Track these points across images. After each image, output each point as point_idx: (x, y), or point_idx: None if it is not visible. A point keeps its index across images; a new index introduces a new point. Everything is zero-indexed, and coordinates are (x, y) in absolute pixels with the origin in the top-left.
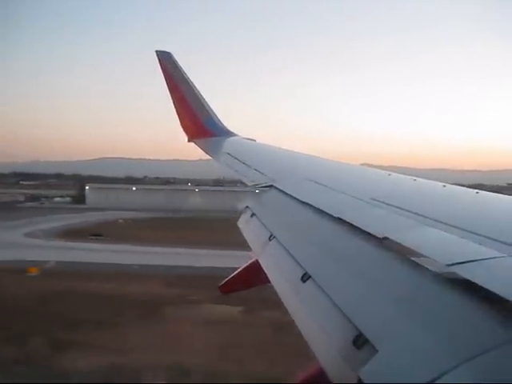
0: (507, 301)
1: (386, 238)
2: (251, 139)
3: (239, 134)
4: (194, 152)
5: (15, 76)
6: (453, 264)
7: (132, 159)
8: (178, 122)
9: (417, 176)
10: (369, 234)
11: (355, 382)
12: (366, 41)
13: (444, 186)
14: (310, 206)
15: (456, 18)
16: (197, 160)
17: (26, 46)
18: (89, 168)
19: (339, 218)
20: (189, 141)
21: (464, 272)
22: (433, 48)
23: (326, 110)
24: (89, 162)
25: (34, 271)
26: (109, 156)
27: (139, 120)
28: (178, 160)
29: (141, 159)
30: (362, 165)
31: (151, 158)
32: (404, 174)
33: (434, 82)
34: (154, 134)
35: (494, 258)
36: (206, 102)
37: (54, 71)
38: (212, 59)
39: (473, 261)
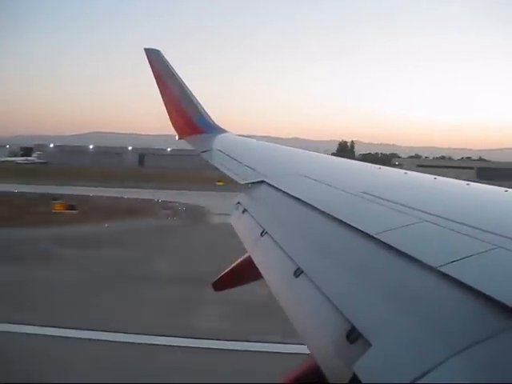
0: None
1: (376, 237)
2: (242, 136)
3: (228, 125)
4: None
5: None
6: (442, 265)
7: (122, 134)
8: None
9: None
10: (360, 229)
11: (349, 376)
12: (347, 24)
13: (435, 178)
14: (302, 201)
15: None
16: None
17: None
18: (75, 142)
19: (331, 213)
20: (179, 138)
21: (454, 272)
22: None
23: (316, 90)
24: (77, 137)
25: None
26: (102, 130)
27: (135, 96)
28: (168, 135)
29: (132, 134)
30: (353, 142)
31: (143, 133)
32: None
33: (424, 62)
34: (149, 110)
35: (486, 251)
36: (195, 99)
37: (52, 48)
38: (194, 49)
39: (463, 258)
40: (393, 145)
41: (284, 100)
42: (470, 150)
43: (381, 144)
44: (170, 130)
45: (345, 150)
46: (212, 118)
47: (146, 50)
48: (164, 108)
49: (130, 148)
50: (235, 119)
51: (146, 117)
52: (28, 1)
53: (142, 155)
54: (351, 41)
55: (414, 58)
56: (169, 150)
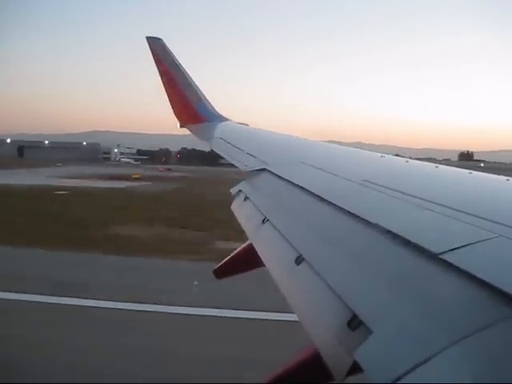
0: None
1: (377, 225)
2: (244, 123)
3: (233, 118)
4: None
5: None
6: (443, 252)
7: (120, 132)
8: (170, 107)
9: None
10: (361, 217)
11: (350, 363)
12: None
13: (436, 166)
14: (303, 188)
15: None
16: (180, 134)
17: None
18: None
19: (332, 201)
20: (181, 126)
21: (454, 259)
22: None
23: (319, 92)
24: (75, 135)
25: None
26: (99, 129)
27: (134, 95)
28: (164, 134)
29: (129, 133)
30: (355, 143)
31: (140, 131)
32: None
33: (427, 67)
34: (148, 109)
35: (486, 239)
36: (197, 88)
37: (49, 46)
38: (205, 45)
39: (464, 246)
40: (393, 146)
41: (286, 100)
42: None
43: (382, 145)
44: (169, 129)
45: None
46: (214, 106)
47: (147, 38)
48: (163, 105)
49: (8, 140)
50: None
51: (145, 116)
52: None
53: (22, 147)
54: (351, 44)
55: (419, 61)
56: (46, 142)
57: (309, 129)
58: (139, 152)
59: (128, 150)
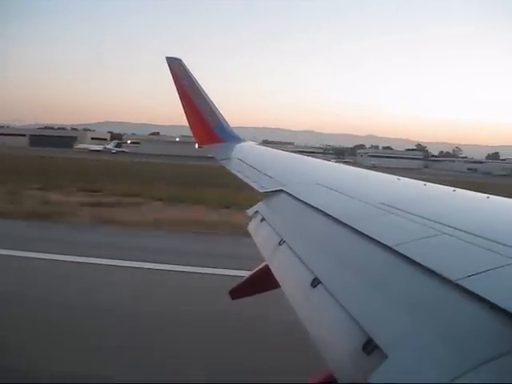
0: None
1: (394, 249)
2: (261, 144)
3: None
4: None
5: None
6: (461, 279)
7: (131, 123)
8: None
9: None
10: (378, 240)
11: None
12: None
13: (454, 190)
14: (320, 210)
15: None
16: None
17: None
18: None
19: (348, 224)
20: (199, 146)
21: (473, 286)
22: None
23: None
24: (87, 125)
25: None
26: (112, 120)
27: (148, 89)
28: (176, 126)
29: (141, 124)
30: (367, 136)
31: (151, 123)
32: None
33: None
34: (160, 102)
35: (506, 266)
36: (216, 108)
37: (63, 38)
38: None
39: (483, 272)
40: (406, 139)
41: (300, 95)
42: (480, 145)
43: (395, 138)
44: (178, 121)
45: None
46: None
47: (167, 58)
48: (169, 100)
49: None
50: (251, 113)
51: (157, 108)
52: None
53: None
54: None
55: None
56: None
57: (321, 122)
58: None
59: None
